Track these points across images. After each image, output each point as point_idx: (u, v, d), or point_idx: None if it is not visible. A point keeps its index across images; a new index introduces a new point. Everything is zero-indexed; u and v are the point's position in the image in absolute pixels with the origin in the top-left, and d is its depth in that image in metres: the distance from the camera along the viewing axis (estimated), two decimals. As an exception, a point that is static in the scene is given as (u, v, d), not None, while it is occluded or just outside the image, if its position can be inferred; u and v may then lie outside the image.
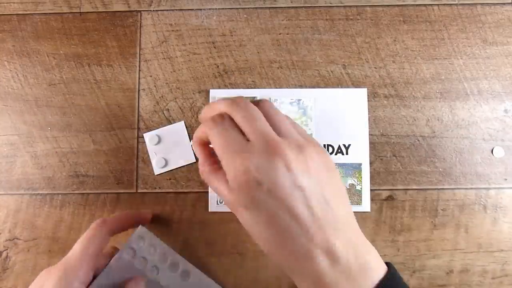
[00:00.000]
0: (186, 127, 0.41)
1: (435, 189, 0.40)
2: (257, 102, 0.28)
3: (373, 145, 0.41)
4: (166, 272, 0.36)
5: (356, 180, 0.40)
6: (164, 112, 0.42)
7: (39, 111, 0.42)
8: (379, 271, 0.27)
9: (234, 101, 0.28)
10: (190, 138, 0.41)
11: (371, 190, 0.40)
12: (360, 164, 0.40)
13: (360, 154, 0.40)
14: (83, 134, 0.41)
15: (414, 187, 0.40)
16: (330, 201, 0.26)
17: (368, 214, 0.40)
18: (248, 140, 0.26)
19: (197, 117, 0.41)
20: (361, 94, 0.41)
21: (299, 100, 0.41)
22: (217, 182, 0.28)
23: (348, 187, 0.40)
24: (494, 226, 0.40)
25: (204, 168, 0.29)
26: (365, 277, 0.26)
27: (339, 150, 0.40)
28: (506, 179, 0.40)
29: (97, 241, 0.33)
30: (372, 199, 0.40)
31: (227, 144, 0.26)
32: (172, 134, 0.41)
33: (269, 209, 0.25)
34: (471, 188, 0.40)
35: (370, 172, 0.40)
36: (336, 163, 0.40)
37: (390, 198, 0.40)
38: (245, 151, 0.25)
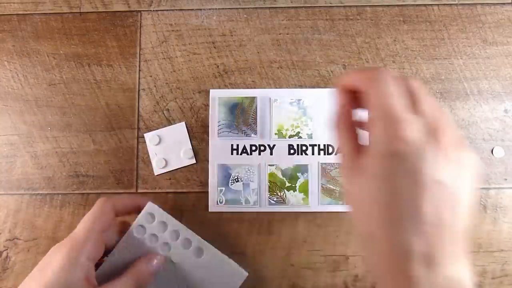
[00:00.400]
0: (186, 128, 0.41)
1: (435, 189, 0.40)
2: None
3: (373, 145, 0.41)
4: (178, 249, 0.36)
5: None
6: (164, 112, 0.42)
7: (39, 111, 0.42)
8: None
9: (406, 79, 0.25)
10: (191, 139, 0.41)
11: (371, 190, 0.40)
12: None
13: None
14: (83, 134, 0.41)
15: (414, 187, 0.40)
16: (459, 209, 0.23)
17: (368, 214, 0.40)
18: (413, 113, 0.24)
19: (197, 117, 0.41)
20: None
21: (299, 100, 0.41)
22: (346, 132, 0.26)
23: None
24: (494, 226, 0.40)
25: (347, 164, 0.26)
26: None
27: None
28: (506, 179, 0.40)
29: (103, 217, 0.33)
30: (372, 199, 0.40)
31: (393, 107, 0.23)
32: (172, 135, 0.41)
33: (398, 188, 0.23)
34: (471, 188, 0.40)
35: (370, 172, 0.40)
36: (337, 163, 0.40)
37: (390, 198, 0.40)
38: (411, 122, 0.23)
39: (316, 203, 0.40)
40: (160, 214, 0.36)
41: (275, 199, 0.40)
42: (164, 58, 0.42)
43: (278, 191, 0.40)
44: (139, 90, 0.42)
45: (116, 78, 0.42)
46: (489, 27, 0.42)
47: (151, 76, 0.42)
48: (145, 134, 0.41)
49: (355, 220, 0.25)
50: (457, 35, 0.42)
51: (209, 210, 0.40)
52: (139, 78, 0.42)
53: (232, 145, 0.41)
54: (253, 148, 0.40)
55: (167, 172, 0.41)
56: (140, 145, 0.41)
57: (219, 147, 0.41)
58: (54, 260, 0.31)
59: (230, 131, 0.40)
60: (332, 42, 0.42)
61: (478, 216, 0.40)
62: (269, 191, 0.40)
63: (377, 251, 0.24)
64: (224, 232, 0.40)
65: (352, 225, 0.40)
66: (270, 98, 0.41)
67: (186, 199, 0.41)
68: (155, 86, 0.42)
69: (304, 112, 0.41)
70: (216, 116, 0.41)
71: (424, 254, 0.22)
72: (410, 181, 0.23)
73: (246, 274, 0.37)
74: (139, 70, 0.42)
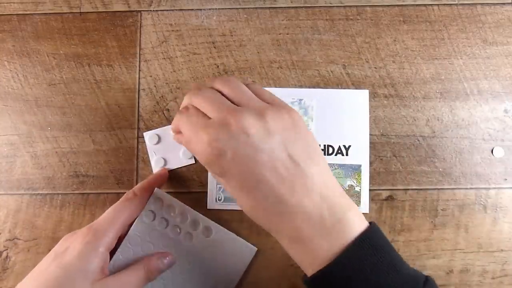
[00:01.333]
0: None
1: (435, 189, 0.40)
2: (223, 79, 0.30)
3: (373, 145, 0.41)
4: (187, 230, 0.37)
5: (355, 181, 0.40)
6: (164, 112, 0.42)
7: (39, 111, 0.42)
8: (359, 227, 0.27)
9: (192, 90, 0.30)
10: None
11: (371, 190, 0.40)
12: (360, 166, 0.40)
13: (360, 155, 0.40)
14: (83, 134, 0.41)
15: (414, 187, 0.40)
16: (299, 160, 0.27)
17: (367, 215, 0.40)
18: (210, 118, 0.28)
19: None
20: (363, 95, 0.41)
21: (300, 99, 0.41)
22: (193, 150, 0.30)
23: (347, 188, 0.40)
24: (494, 226, 0.40)
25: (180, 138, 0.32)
26: (343, 232, 0.26)
27: (339, 151, 0.40)
28: (506, 179, 0.40)
29: (128, 211, 0.35)
30: (372, 199, 0.40)
31: (192, 126, 0.28)
32: (172, 134, 0.41)
33: (237, 175, 0.26)
34: (471, 188, 0.40)
35: (370, 172, 0.40)
36: (336, 164, 0.40)
37: (390, 198, 0.40)
38: (207, 126, 0.27)
39: None
40: (168, 198, 0.37)
41: None
42: (164, 58, 0.42)
43: None
44: (139, 90, 0.42)
45: (116, 78, 0.42)
46: (489, 27, 0.42)
47: (151, 76, 0.42)
48: (144, 133, 0.41)
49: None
50: (457, 35, 0.42)
51: (208, 208, 0.40)
52: (139, 78, 0.42)
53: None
54: None
55: (167, 172, 0.41)
56: (140, 145, 0.41)
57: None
58: (73, 247, 0.32)
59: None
60: (332, 42, 0.42)
61: (478, 216, 0.40)
62: None
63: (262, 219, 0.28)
64: (224, 232, 0.40)
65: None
66: None
67: (185, 199, 0.41)
68: (155, 86, 0.42)
69: (306, 112, 0.41)
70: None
71: (293, 206, 0.26)
72: (236, 163, 0.27)
73: (255, 249, 0.38)
74: (139, 70, 0.42)
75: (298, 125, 0.28)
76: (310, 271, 0.27)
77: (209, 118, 0.28)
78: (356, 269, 0.26)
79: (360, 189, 0.40)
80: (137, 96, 0.42)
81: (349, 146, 0.40)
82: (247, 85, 0.31)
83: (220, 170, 0.27)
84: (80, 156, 0.41)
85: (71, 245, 0.32)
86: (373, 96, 0.41)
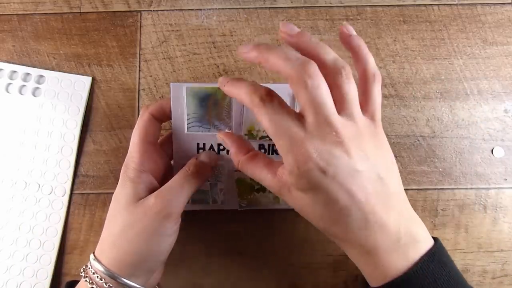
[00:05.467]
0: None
1: (435, 189, 0.40)
2: (331, 62, 0.27)
3: (373, 145, 0.41)
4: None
5: None
6: (164, 112, 0.42)
7: (39, 111, 0.42)
8: (427, 243, 0.28)
9: (301, 64, 0.26)
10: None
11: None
12: None
13: None
14: (83, 134, 0.41)
15: (414, 187, 0.40)
16: (384, 179, 0.27)
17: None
18: (302, 117, 0.26)
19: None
20: None
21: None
22: (258, 169, 0.29)
23: None
24: (494, 226, 0.40)
25: (239, 158, 0.30)
26: (414, 247, 0.27)
27: None
28: (506, 179, 0.40)
29: (143, 128, 0.33)
30: (372, 199, 0.40)
31: (282, 130, 0.26)
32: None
33: (330, 192, 0.26)
34: (471, 188, 0.40)
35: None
36: None
37: (390, 198, 0.40)
38: (304, 138, 0.25)
39: None
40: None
41: (246, 202, 0.38)
42: (164, 58, 0.42)
43: (248, 195, 0.38)
44: (139, 90, 0.42)
45: (116, 78, 0.42)
46: (489, 27, 0.42)
47: (151, 76, 0.42)
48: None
49: (308, 219, 0.29)
50: (457, 35, 0.42)
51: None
52: (139, 78, 0.42)
53: (198, 143, 0.36)
54: (221, 147, 0.36)
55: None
56: (140, 145, 0.41)
57: (185, 146, 0.36)
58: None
59: (201, 126, 0.35)
60: (332, 42, 0.42)
61: (478, 216, 0.40)
62: (238, 196, 0.38)
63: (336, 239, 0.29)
64: (224, 232, 0.40)
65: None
66: None
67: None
68: (155, 86, 0.42)
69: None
70: (185, 108, 0.35)
71: (375, 221, 0.27)
72: (334, 181, 0.26)
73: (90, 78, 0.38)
74: (139, 70, 0.42)
75: (384, 143, 0.29)
76: (377, 282, 0.28)
77: (300, 117, 0.26)
78: (426, 283, 0.27)
79: None
80: (137, 96, 0.42)
81: None
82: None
83: (310, 186, 0.26)
84: (80, 156, 0.41)
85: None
86: (373, 96, 0.41)
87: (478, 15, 0.42)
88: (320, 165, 0.25)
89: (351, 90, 0.27)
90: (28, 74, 0.41)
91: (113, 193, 0.32)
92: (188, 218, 0.40)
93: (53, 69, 0.42)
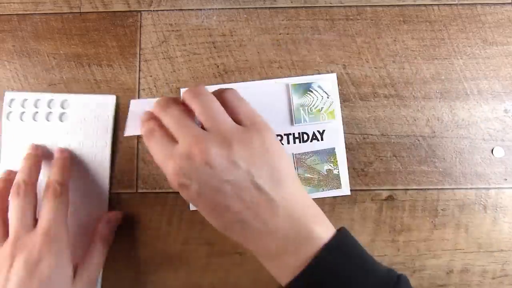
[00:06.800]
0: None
1: (435, 189, 0.40)
2: (192, 92, 0.29)
3: (373, 145, 0.41)
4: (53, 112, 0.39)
5: (332, 164, 0.40)
6: (164, 112, 0.42)
7: (39, 111, 0.42)
8: (323, 238, 0.28)
9: (159, 103, 0.30)
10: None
11: (371, 190, 0.40)
12: (334, 149, 0.40)
13: (335, 138, 0.41)
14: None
15: (414, 187, 0.40)
16: (264, 187, 0.27)
17: (367, 214, 0.40)
18: (176, 141, 0.28)
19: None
20: (331, 79, 0.41)
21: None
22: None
23: (325, 173, 0.40)
24: (494, 226, 0.40)
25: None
26: (310, 245, 0.27)
27: (314, 137, 0.41)
28: (506, 179, 0.40)
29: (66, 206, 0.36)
30: (372, 199, 0.40)
31: (159, 152, 0.28)
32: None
33: (204, 204, 0.27)
34: (471, 188, 0.40)
35: (370, 172, 0.40)
36: (310, 151, 0.40)
37: (390, 198, 0.40)
38: (172, 156, 0.27)
39: None
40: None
41: None
42: (164, 58, 0.42)
43: None
44: (139, 90, 0.42)
45: (116, 78, 0.42)
46: (489, 27, 0.42)
47: (151, 76, 0.42)
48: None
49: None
50: (457, 35, 0.42)
51: (191, 209, 0.40)
52: (139, 78, 0.42)
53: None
54: None
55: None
56: (140, 145, 0.41)
57: None
58: (46, 260, 0.33)
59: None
60: (332, 42, 0.42)
61: (478, 216, 0.40)
62: None
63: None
64: (224, 232, 0.40)
65: (351, 225, 0.40)
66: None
67: (168, 198, 0.40)
68: (155, 86, 0.42)
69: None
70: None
71: (259, 228, 0.27)
72: (201, 195, 0.27)
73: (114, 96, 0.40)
74: (139, 70, 0.42)
75: (267, 148, 0.28)
76: (282, 282, 0.29)
77: (176, 141, 0.28)
78: (324, 277, 0.26)
79: (338, 172, 0.40)
80: (137, 96, 0.42)
81: (323, 131, 0.41)
82: (221, 94, 0.30)
83: (187, 198, 0.28)
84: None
85: (42, 257, 0.31)
86: (373, 96, 0.41)
87: (478, 15, 0.42)
88: (183, 181, 0.26)
89: (213, 105, 0.29)
90: (51, 100, 0.41)
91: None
92: (189, 218, 0.40)
93: (52, 68, 0.42)
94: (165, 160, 0.27)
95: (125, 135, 0.35)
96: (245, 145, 0.27)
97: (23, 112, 0.40)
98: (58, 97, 0.41)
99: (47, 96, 0.41)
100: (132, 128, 0.34)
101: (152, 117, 0.31)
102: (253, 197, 0.27)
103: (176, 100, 0.31)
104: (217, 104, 0.29)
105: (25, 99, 0.41)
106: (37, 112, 0.40)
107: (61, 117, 0.40)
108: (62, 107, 0.40)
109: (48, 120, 0.40)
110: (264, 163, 0.28)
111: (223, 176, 0.26)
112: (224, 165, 0.26)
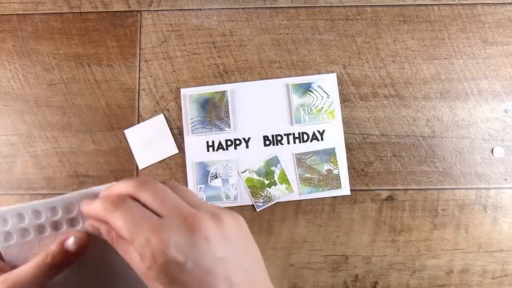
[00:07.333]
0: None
1: (435, 189, 0.40)
2: (162, 181, 0.27)
3: (373, 145, 0.41)
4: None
5: (332, 164, 0.40)
6: (164, 112, 0.42)
7: (39, 111, 0.42)
8: None
9: (138, 180, 0.26)
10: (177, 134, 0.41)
11: (371, 190, 0.40)
12: (334, 149, 0.40)
13: (335, 138, 0.41)
14: (83, 134, 0.41)
15: (414, 187, 0.40)
16: (249, 269, 0.26)
17: (367, 214, 0.40)
18: (160, 216, 0.25)
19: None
20: (331, 79, 0.41)
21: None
22: (130, 252, 0.25)
23: (325, 173, 0.40)
24: (494, 226, 0.40)
25: (111, 235, 0.26)
26: None
27: (314, 137, 0.41)
28: (506, 179, 0.40)
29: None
30: (372, 199, 0.40)
31: (137, 222, 0.24)
32: (153, 128, 0.41)
33: (191, 285, 0.24)
34: (471, 188, 0.40)
35: (370, 172, 0.40)
36: (311, 151, 0.41)
37: (390, 198, 0.40)
38: (161, 229, 0.24)
39: (298, 191, 0.40)
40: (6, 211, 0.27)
41: (261, 201, 0.40)
42: (164, 58, 0.42)
43: (261, 192, 0.40)
44: (139, 90, 0.42)
45: (116, 78, 0.42)
46: (489, 27, 0.42)
47: (151, 76, 0.42)
48: (125, 131, 0.41)
49: None
50: (457, 35, 0.42)
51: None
52: (139, 78, 0.42)
53: (207, 141, 0.41)
54: (229, 143, 0.40)
55: (155, 164, 0.41)
56: (140, 145, 0.41)
57: (195, 145, 0.41)
58: None
59: (203, 127, 0.41)
60: (332, 42, 0.42)
61: (478, 216, 0.40)
62: (252, 195, 0.40)
63: None
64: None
65: (351, 225, 0.40)
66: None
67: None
68: (155, 86, 0.42)
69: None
70: (188, 113, 0.41)
71: None
72: (193, 274, 0.24)
73: None
74: (139, 70, 0.42)
75: (246, 231, 0.28)
76: None
77: (158, 215, 0.25)
78: None
79: (338, 172, 0.40)
80: (137, 96, 0.42)
81: (323, 131, 0.41)
82: (170, 188, 0.27)
83: (170, 280, 0.24)
84: (80, 156, 0.41)
85: None
86: (373, 96, 0.41)
87: (478, 15, 0.42)
88: (178, 258, 0.23)
89: (189, 190, 0.27)
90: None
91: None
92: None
93: (52, 68, 0.42)
94: (153, 231, 0.23)
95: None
96: (232, 223, 0.26)
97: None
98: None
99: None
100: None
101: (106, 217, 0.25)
102: (241, 278, 0.26)
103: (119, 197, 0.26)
104: (171, 192, 0.26)
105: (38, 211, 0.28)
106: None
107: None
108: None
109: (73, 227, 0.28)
110: (248, 246, 0.27)
111: (217, 252, 0.24)
112: (218, 240, 0.25)
